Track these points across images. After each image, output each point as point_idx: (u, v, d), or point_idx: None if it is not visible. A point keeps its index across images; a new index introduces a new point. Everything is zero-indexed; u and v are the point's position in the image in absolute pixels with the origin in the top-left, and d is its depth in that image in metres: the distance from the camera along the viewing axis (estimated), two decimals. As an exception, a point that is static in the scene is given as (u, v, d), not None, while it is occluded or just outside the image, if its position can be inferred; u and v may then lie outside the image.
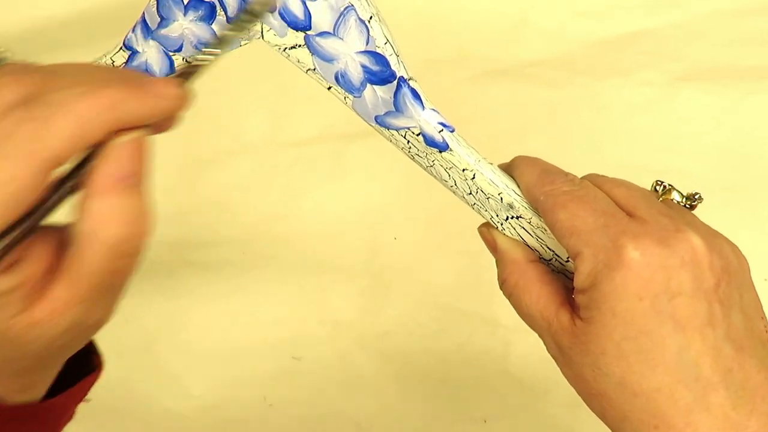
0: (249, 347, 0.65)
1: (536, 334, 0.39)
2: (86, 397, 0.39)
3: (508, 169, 0.40)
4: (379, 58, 0.38)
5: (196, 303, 0.65)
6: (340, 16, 0.37)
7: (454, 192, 0.40)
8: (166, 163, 0.64)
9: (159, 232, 0.69)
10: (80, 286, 0.30)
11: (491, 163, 0.39)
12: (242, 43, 0.39)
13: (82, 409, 0.66)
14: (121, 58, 0.39)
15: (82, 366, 0.39)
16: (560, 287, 0.38)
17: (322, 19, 0.37)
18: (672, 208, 0.37)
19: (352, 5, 0.36)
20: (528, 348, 0.64)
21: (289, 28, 0.38)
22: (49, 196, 0.29)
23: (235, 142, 0.65)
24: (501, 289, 0.39)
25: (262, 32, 0.38)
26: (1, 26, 0.62)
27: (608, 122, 0.66)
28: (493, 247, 0.40)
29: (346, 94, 0.39)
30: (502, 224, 0.40)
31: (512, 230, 0.39)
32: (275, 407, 0.65)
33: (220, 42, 0.37)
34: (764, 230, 0.66)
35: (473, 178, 0.39)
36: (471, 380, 0.65)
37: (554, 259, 0.39)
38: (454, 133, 0.38)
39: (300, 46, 0.38)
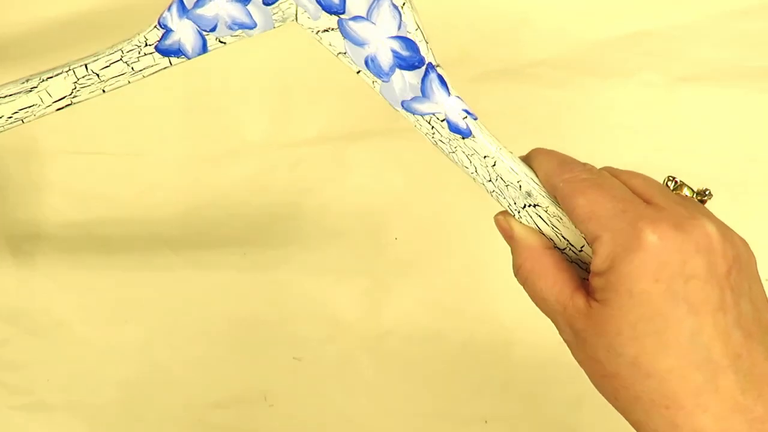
0: (249, 347, 0.65)
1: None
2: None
3: (526, 160, 0.41)
4: (410, 44, 0.39)
5: (196, 302, 0.65)
6: (374, 1, 0.38)
7: (474, 179, 0.41)
8: (166, 162, 0.65)
9: (159, 231, 0.69)
10: None
11: (511, 152, 0.40)
12: (276, 25, 0.39)
13: (82, 408, 0.66)
14: (154, 36, 0.40)
15: None
16: (574, 274, 0.39)
17: (356, 4, 0.38)
18: (685, 200, 0.38)
19: None
20: (529, 348, 0.64)
21: (324, 12, 0.39)
22: None
23: (235, 142, 0.64)
24: (516, 275, 0.40)
25: (296, 15, 0.39)
26: (1, 26, 0.62)
27: (608, 122, 0.66)
28: (509, 235, 0.41)
29: (375, 78, 0.40)
30: (519, 212, 0.41)
31: (529, 218, 0.40)
32: (275, 407, 0.65)
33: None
34: (764, 230, 0.66)
35: (494, 165, 0.40)
36: (471, 380, 0.65)
37: (568, 249, 0.40)
38: (477, 121, 0.40)
39: (333, 29, 0.39)
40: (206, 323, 0.65)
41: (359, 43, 0.39)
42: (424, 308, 0.65)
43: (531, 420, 0.65)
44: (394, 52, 0.39)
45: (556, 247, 0.40)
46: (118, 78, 0.41)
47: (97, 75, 0.41)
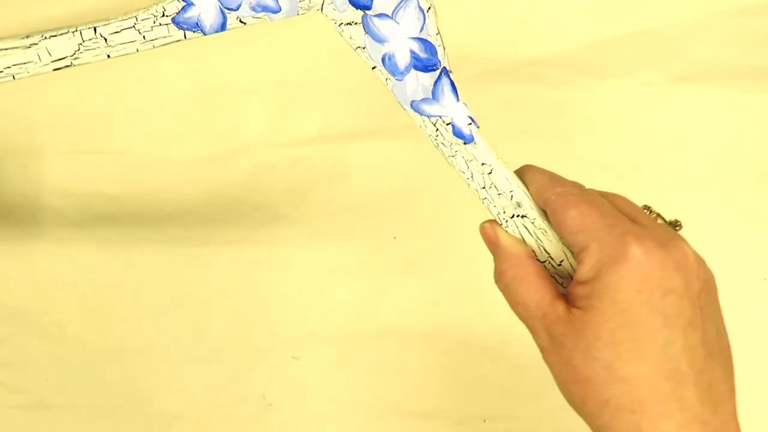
0: (248, 347, 0.65)
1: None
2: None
3: (518, 174, 0.43)
4: (429, 47, 0.40)
5: (196, 302, 0.65)
6: (402, 1, 0.39)
7: (468, 184, 0.43)
8: (166, 162, 0.65)
9: (159, 231, 0.69)
10: None
11: (506, 164, 0.42)
12: (300, 12, 0.40)
13: (81, 408, 0.66)
14: (173, 8, 0.40)
15: None
16: (554, 284, 0.41)
17: (384, 2, 0.39)
18: (664, 225, 0.42)
19: None
20: (527, 347, 0.64)
21: (350, 5, 0.39)
22: None
23: (235, 141, 0.64)
24: (497, 281, 0.42)
25: (322, 5, 0.40)
26: (1, 26, 0.62)
27: (608, 122, 0.66)
28: (493, 243, 0.43)
29: (389, 76, 0.41)
30: (506, 222, 0.42)
31: (515, 228, 0.42)
32: (275, 407, 0.65)
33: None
34: (764, 230, 0.66)
35: (490, 173, 0.42)
36: (470, 380, 0.65)
37: (548, 262, 0.42)
38: (479, 129, 0.42)
39: (356, 23, 0.40)
40: (206, 322, 0.65)
41: (379, 40, 0.40)
42: (422, 307, 0.65)
43: (530, 419, 0.65)
44: (412, 52, 0.40)
45: (537, 259, 0.42)
46: (127, 45, 0.40)
47: (105, 39, 0.40)
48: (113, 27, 0.40)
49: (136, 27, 0.40)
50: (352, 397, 0.65)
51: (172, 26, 0.40)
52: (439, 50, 0.40)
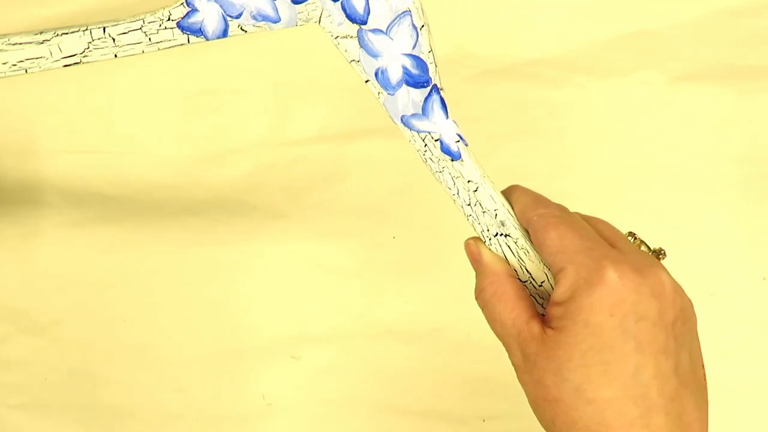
0: (248, 346, 0.65)
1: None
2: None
3: (504, 194, 0.44)
4: (421, 63, 0.41)
5: (196, 302, 0.65)
6: (396, 18, 0.40)
7: (454, 200, 0.44)
8: (166, 162, 0.65)
9: (159, 231, 0.69)
10: None
11: (492, 182, 0.43)
12: (299, 23, 0.41)
13: (80, 407, 0.66)
14: (179, 12, 0.41)
15: None
16: (532, 304, 0.42)
17: (379, 17, 0.40)
18: (645, 252, 0.42)
19: (409, 11, 0.40)
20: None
21: (347, 20, 0.41)
22: None
23: (235, 141, 0.65)
24: (477, 297, 0.43)
25: (320, 17, 0.41)
26: (1, 26, 0.62)
27: (608, 122, 0.66)
28: (476, 259, 0.43)
29: (381, 90, 0.42)
30: (490, 240, 0.43)
31: (498, 247, 0.43)
32: (274, 407, 0.65)
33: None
34: (764, 230, 0.66)
35: (476, 190, 0.43)
36: (470, 380, 0.65)
37: (529, 282, 0.43)
38: (468, 147, 0.42)
39: (351, 37, 0.41)
40: (205, 322, 0.65)
41: (373, 54, 0.41)
42: (422, 307, 0.65)
43: (529, 419, 0.65)
44: (404, 68, 0.41)
45: (518, 278, 0.43)
46: (134, 46, 0.42)
47: (113, 39, 0.42)
48: (121, 28, 0.42)
49: (143, 29, 0.41)
50: (352, 397, 0.65)
51: (177, 30, 0.41)
52: (431, 68, 0.41)
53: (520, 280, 0.43)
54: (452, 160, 0.42)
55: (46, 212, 0.64)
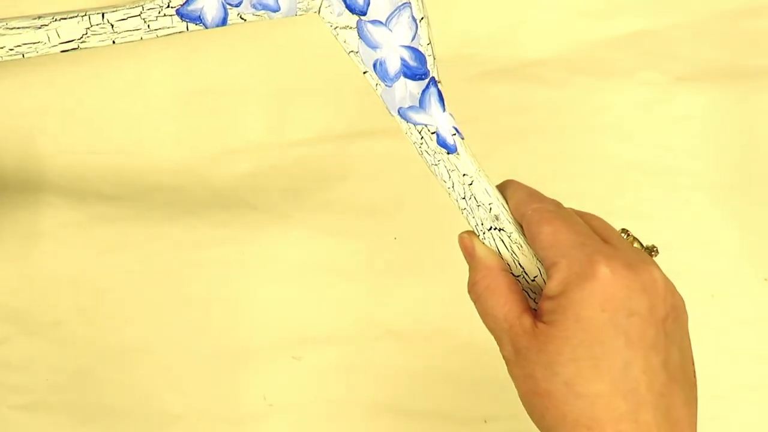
0: (249, 347, 0.65)
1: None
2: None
3: (499, 188, 0.44)
4: (419, 56, 0.41)
5: (196, 302, 0.65)
6: (396, 10, 0.40)
7: (449, 193, 0.44)
8: (166, 162, 0.65)
9: (159, 231, 0.69)
10: None
11: (488, 176, 0.43)
12: (298, 13, 0.41)
13: (81, 408, 0.66)
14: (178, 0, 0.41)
15: None
16: (524, 298, 0.42)
17: (379, 9, 0.40)
18: (638, 249, 0.43)
19: (409, 3, 0.40)
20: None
21: (347, 10, 0.41)
22: None
23: (235, 141, 0.65)
24: (470, 291, 0.43)
25: (320, 7, 0.41)
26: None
27: (608, 122, 0.66)
28: (470, 253, 0.44)
29: (379, 81, 0.42)
30: (484, 233, 0.43)
31: (492, 241, 0.43)
32: (275, 407, 0.65)
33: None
34: (764, 230, 0.66)
35: (471, 184, 0.43)
36: (471, 380, 0.65)
37: (522, 276, 0.43)
38: (464, 140, 0.43)
39: (351, 28, 0.41)
40: (206, 322, 0.65)
41: (372, 46, 0.41)
42: (423, 308, 0.65)
43: (530, 420, 0.65)
44: (402, 60, 0.41)
45: (511, 272, 0.43)
46: (132, 32, 0.42)
47: (112, 25, 0.42)
48: (120, 14, 0.41)
49: (142, 16, 0.41)
50: (353, 398, 0.65)
51: (176, 17, 0.41)
52: (429, 60, 0.41)
53: (513, 275, 0.43)
54: (448, 153, 0.43)
55: (47, 212, 0.64)
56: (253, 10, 0.41)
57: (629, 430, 0.37)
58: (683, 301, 0.40)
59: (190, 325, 0.65)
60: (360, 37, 0.41)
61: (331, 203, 0.65)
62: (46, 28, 0.42)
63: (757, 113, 0.66)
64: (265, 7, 0.41)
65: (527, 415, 0.68)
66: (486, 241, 0.43)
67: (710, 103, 0.66)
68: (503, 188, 0.44)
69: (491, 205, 0.43)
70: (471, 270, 0.43)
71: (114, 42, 0.42)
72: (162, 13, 0.41)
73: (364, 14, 0.41)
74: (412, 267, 0.66)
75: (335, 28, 0.41)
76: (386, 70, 0.41)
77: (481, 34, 0.65)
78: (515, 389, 0.66)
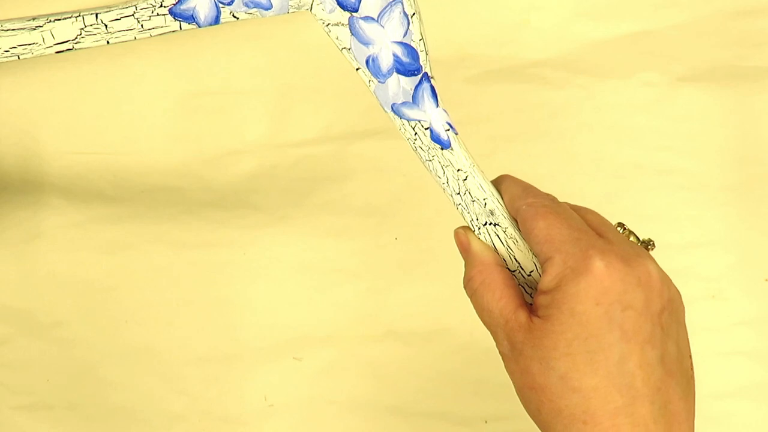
0: (249, 347, 0.65)
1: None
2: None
3: (494, 183, 0.44)
4: (412, 52, 0.41)
5: (197, 302, 0.65)
6: (387, 6, 0.40)
7: (444, 189, 0.44)
8: (166, 163, 0.65)
9: (159, 232, 0.69)
10: None
11: (482, 171, 0.43)
12: (290, 11, 0.41)
13: (82, 408, 0.66)
14: None
15: None
16: (520, 293, 0.42)
17: (370, 5, 0.40)
18: (633, 243, 0.43)
19: None
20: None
21: (338, 7, 0.41)
22: None
23: (235, 142, 0.65)
24: (465, 286, 0.43)
25: (312, 5, 0.41)
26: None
27: (608, 122, 0.66)
28: (465, 248, 0.44)
29: (372, 77, 0.42)
30: (479, 229, 0.43)
31: (487, 236, 0.43)
32: (275, 407, 0.65)
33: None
34: (764, 230, 0.66)
35: (465, 179, 0.43)
36: (472, 381, 0.65)
37: (518, 271, 0.43)
38: (457, 135, 0.42)
39: (343, 24, 0.41)
40: (206, 323, 0.65)
41: (364, 42, 0.41)
42: (424, 308, 0.65)
43: (531, 420, 0.65)
44: (395, 56, 0.41)
45: (507, 267, 0.43)
46: (126, 32, 0.42)
47: (106, 26, 0.42)
48: (114, 14, 0.42)
49: (135, 15, 0.42)
50: (354, 398, 0.65)
51: (169, 17, 0.41)
52: (422, 56, 0.41)
53: (509, 270, 0.43)
54: (442, 149, 0.43)
55: (48, 213, 0.64)
56: (245, 8, 0.41)
57: (625, 424, 0.37)
58: (680, 295, 0.40)
59: (191, 326, 0.65)
60: (352, 34, 0.41)
61: (331, 203, 0.65)
62: (40, 29, 0.42)
63: (757, 114, 0.66)
64: (257, 5, 0.41)
65: (527, 415, 0.68)
66: (481, 237, 0.43)
67: (710, 104, 0.66)
68: (498, 183, 0.44)
69: (486, 201, 0.43)
70: (467, 265, 0.43)
71: (108, 42, 0.42)
72: (155, 13, 0.41)
73: (356, 11, 0.41)
74: (412, 267, 0.66)
75: (327, 25, 0.41)
76: (379, 67, 0.41)
77: (482, 35, 0.65)
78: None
